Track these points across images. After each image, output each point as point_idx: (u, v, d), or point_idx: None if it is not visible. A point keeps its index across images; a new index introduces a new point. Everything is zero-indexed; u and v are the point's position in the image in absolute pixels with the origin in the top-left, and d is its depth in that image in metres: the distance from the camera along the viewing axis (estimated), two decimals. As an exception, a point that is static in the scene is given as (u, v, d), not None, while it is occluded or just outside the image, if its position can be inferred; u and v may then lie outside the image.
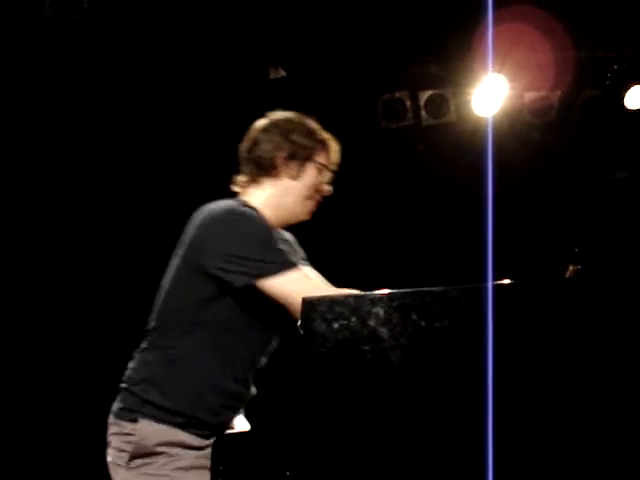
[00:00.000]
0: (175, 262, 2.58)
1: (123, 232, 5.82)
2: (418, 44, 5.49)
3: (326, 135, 2.73)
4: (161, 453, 2.36)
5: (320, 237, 5.93)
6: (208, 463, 2.33)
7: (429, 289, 2.26)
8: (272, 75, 5.74)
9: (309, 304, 2.28)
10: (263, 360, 2.66)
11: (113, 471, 2.41)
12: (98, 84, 5.44)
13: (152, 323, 2.56)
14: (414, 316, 2.23)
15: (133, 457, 2.37)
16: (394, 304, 2.24)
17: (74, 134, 5.62)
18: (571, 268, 2.66)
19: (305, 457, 2.24)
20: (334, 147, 2.74)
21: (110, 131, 5.70)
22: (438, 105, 5.77)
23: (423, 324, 2.21)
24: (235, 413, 2.52)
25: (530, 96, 5.77)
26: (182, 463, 2.36)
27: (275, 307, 2.44)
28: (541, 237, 5.87)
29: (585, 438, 2.19)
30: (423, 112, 5.80)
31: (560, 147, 6.05)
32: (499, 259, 2.75)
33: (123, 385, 2.50)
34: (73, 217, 5.72)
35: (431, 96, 5.78)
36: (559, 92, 5.80)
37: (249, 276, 2.39)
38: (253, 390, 2.62)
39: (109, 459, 2.43)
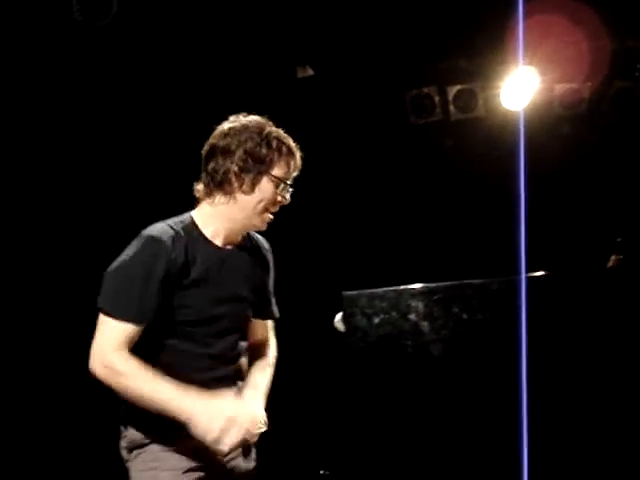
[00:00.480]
0: None
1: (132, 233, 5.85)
2: (446, 39, 5.46)
3: (286, 144, 2.59)
4: None
5: (353, 232, 5.96)
6: None
7: (469, 281, 2.26)
8: (300, 74, 5.74)
9: (349, 299, 2.29)
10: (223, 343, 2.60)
11: None
12: (126, 87, 5.47)
13: None
14: (455, 309, 2.22)
15: None
16: (435, 297, 2.24)
17: (102, 137, 5.65)
18: (614, 258, 2.65)
19: (347, 452, 2.24)
20: (294, 157, 2.61)
21: (135, 133, 5.73)
22: (467, 100, 5.73)
23: (465, 317, 2.21)
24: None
25: (560, 88, 5.72)
26: None
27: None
28: (575, 230, 5.82)
29: (622, 428, 2.17)
30: (452, 107, 5.78)
31: (591, 139, 5.99)
32: (532, 253, 2.73)
33: None
34: (88, 218, 5.76)
35: (460, 91, 5.75)
36: (589, 84, 5.74)
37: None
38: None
39: None
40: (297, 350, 3.25)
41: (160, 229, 2.49)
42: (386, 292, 2.27)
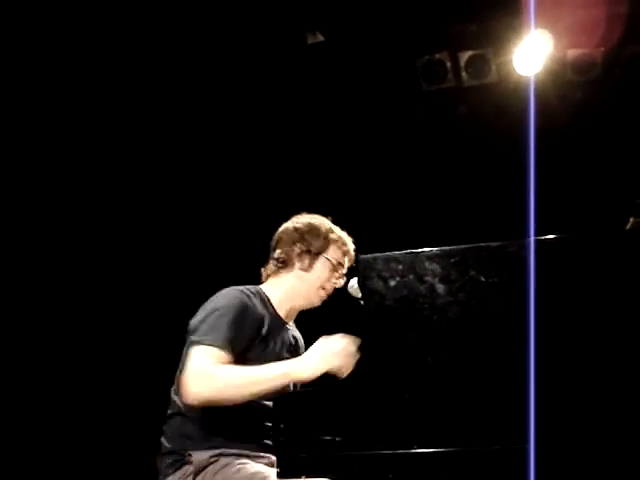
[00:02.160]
0: None
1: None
2: (457, 3, 5.40)
3: (342, 235, 3.15)
4: None
5: (367, 198, 5.95)
6: None
7: (487, 244, 2.24)
8: (310, 40, 5.69)
9: (365, 262, 2.28)
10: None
11: None
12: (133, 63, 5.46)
13: None
14: (472, 272, 2.22)
15: None
16: (452, 260, 2.23)
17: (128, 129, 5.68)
18: (632, 220, 2.63)
19: (363, 416, 2.25)
20: (346, 245, 3.13)
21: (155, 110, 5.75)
22: (479, 65, 5.67)
23: (482, 279, 2.20)
24: None
25: (573, 53, 5.66)
26: None
27: None
28: (589, 194, 5.78)
29: (634, 396, 2.17)
30: (464, 73, 5.71)
31: (604, 105, 5.94)
32: (545, 218, 2.71)
33: None
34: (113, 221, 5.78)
35: (472, 57, 5.68)
36: (602, 49, 5.67)
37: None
38: None
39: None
40: (311, 315, 3.26)
41: (240, 287, 2.95)
42: (402, 255, 2.26)
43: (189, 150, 6.01)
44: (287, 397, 2.32)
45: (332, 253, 3.11)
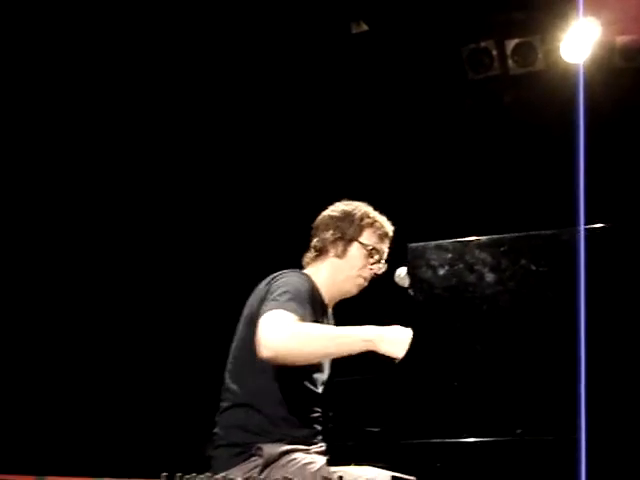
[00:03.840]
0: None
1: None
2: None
3: (379, 220, 3.10)
4: None
5: (414, 188, 5.93)
6: None
7: (538, 232, 2.22)
8: (354, 30, 5.67)
9: (415, 251, 2.28)
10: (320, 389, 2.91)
11: None
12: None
13: None
14: (523, 260, 2.20)
15: None
16: (502, 249, 2.22)
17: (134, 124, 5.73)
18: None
19: (412, 406, 2.25)
20: (383, 228, 3.09)
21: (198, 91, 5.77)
22: (526, 53, 5.61)
23: (533, 268, 2.18)
24: None
25: (622, 40, 5.57)
26: None
27: None
28: (637, 182, 5.69)
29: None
30: (510, 61, 5.66)
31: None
32: (592, 207, 2.68)
33: None
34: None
35: (518, 44, 5.62)
36: (652, 34, 5.58)
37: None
38: None
39: None
40: (358, 304, 3.26)
41: (297, 271, 2.99)
42: (452, 243, 2.25)
43: (234, 137, 6.04)
44: (336, 385, 2.33)
45: (367, 238, 3.06)
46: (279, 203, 6.03)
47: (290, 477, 2.25)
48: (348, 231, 3.06)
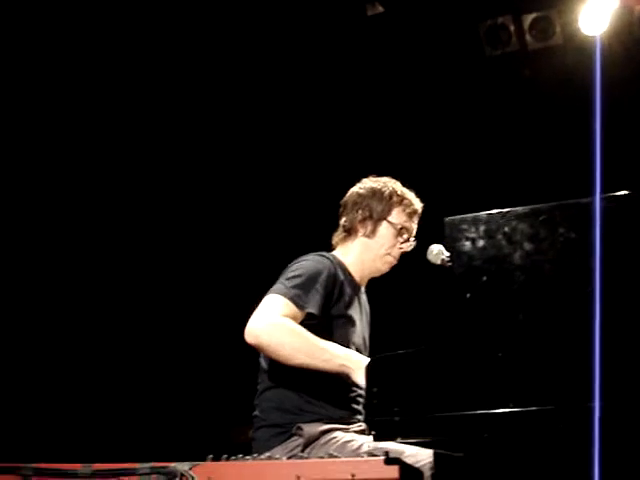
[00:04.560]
0: None
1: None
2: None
3: (407, 197, 3.09)
4: None
5: (432, 164, 5.92)
6: None
7: (575, 200, 2.22)
8: (369, 12, 5.65)
9: (452, 224, 2.28)
10: None
11: None
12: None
13: None
14: (561, 229, 2.20)
15: None
16: (540, 218, 2.21)
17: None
18: None
19: (459, 376, 2.25)
20: (412, 206, 3.09)
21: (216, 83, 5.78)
22: (544, 27, 5.57)
23: (573, 236, 2.18)
24: None
25: (640, 9, 5.52)
26: None
27: None
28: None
29: None
30: (528, 36, 5.63)
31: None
32: (611, 180, 2.67)
33: None
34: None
35: (535, 19, 5.59)
36: (671, 3, 5.53)
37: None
38: None
39: None
40: (393, 284, 3.28)
41: (320, 253, 2.98)
42: (489, 215, 2.24)
43: (252, 121, 6.05)
44: (380, 360, 2.34)
45: (396, 217, 3.06)
46: (304, 185, 6.05)
47: (335, 454, 2.27)
48: (377, 210, 3.05)
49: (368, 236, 3.05)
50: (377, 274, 3.14)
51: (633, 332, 2.15)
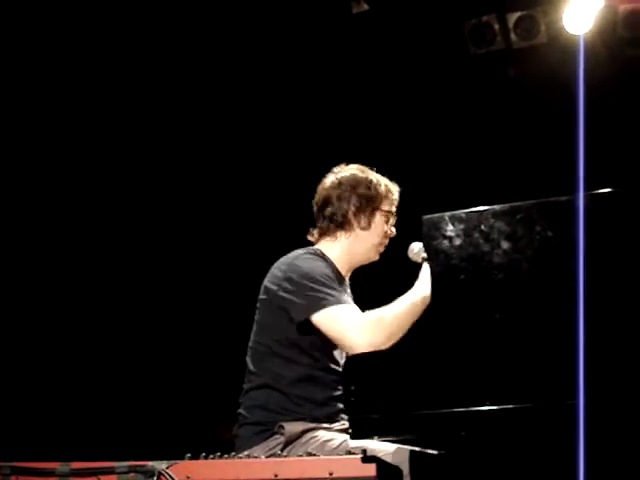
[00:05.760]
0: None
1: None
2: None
3: (387, 183, 3.09)
4: None
5: (418, 164, 5.93)
6: None
7: (554, 199, 2.23)
8: (355, 9, 5.65)
9: (430, 222, 2.28)
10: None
11: None
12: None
13: None
14: (539, 227, 2.20)
15: None
16: (517, 217, 2.22)
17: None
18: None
19: (436, 374, 2.26)
20: (394, 193, 3.09)
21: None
22: (528, 26, 5.58)
23: (549, 234, 2.19)
24: None
25: (624, 9, 5.54)
26: None
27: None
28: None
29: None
30: (513, 35, 5.63)
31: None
32: (594, 178, 2.68)
33: None
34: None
35: (520, 17, 5.59)
36: (654, 3, 5.54)
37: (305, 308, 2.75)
38: None
39: None
40: (374, 281, 3.28)
41: (306, 250, 2.97)
42: (467, 213, 2.25)
43: (236, 120, 6.05)
44: (357, 358, 2.34)
45: (385, 205, 3.06)
46: (282, 183, 6.04)
47: (313, 452, 2.27)
48: (370, 201, 3.03)
49: (363, 228, 3.03)
50: (366, 263, 3.13)
51: (614, 330, 2.15)
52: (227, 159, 6.15)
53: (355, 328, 2.62)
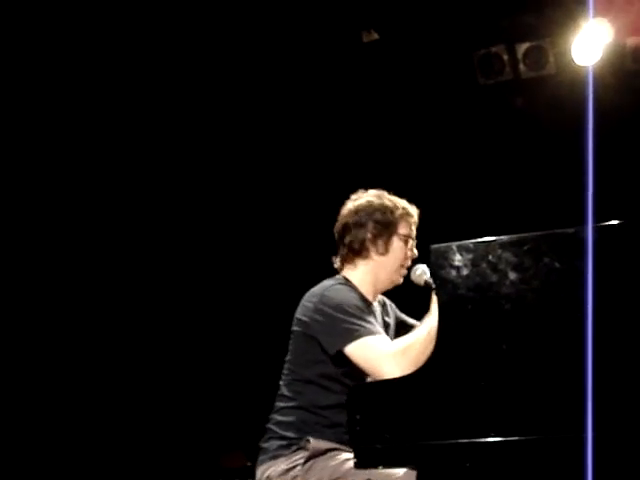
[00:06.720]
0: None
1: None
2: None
3: (405, 205, 3.10)
4: None
5: (426, 193, 5.93)
6: None
7: (561, 230, 2.23)
8: (365, 39, 5.70)
9: (437, 252, 2.28)
10: None
11: None
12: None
13: None
14: (546, 259, 2.20)
15: None
16: (525, 247, 2.22)
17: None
18: None
19: (441, 404, 2.25)
20: (413, 215, 3.11)
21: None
22: (537, 57, 5.61)
23: (557, 266, 2.18)
24: None
25: (632, 41, 5.57)
26: None
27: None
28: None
29: None
30: (521, 65, 5.66)
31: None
32: (603, 210, 2.68)
33: None
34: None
35: (529, 48, 5.63)
36: (662, 36, 5.57)
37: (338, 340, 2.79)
38: None
39: None
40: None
41: (334, 280, 3.02)
42: (475, 243, 2.25)
43: (247, 142, 6.09)
44: (363, 387, 2.34)
45: (402, 229, 3.07)
46: (295, 206, 6.07)
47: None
48: (385, 227, 3.04)
49: (382, 254, 3.05)
50: (391, 287, 3.15)
51: (622, 362, 2.15)
52: (249, 180, 6.18)
53: (386, 359, 2.65)
